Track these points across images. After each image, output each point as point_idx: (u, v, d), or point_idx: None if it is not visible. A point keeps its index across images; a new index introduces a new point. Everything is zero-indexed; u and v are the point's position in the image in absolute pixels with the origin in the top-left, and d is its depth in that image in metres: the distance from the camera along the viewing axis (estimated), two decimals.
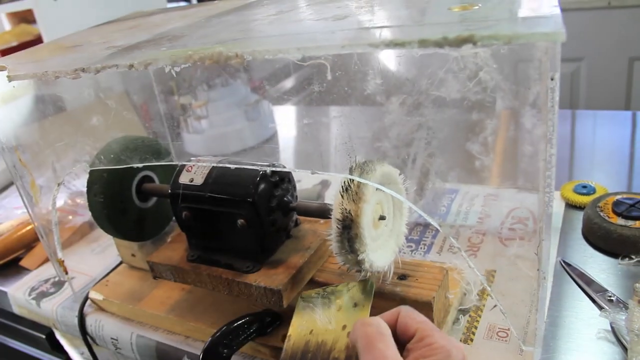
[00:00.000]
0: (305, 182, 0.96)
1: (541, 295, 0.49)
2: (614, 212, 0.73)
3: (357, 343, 0.44)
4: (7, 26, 1.83)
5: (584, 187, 0.84)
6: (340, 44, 0.37)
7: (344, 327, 0.52)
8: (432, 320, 0.57)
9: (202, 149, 1.15)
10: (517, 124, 0.61)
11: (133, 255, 0.80)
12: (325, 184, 0.96)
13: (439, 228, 0.48)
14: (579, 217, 0.79)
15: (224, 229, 0.64)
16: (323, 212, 0.58)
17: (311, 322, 0.54)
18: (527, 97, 0.52)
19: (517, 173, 0.65)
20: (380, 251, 0.57)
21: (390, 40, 0.35)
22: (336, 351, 0.50)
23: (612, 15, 1.86)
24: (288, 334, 0.54)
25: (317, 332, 0.53)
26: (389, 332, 0.44)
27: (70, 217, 1.00)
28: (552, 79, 0.39)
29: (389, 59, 0.65)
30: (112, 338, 0.75)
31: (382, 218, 0.56)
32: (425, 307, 0.56)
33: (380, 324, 0.45)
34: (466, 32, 0.34)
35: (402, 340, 0.46)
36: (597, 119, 1.16)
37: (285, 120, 1.16)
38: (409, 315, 0.46)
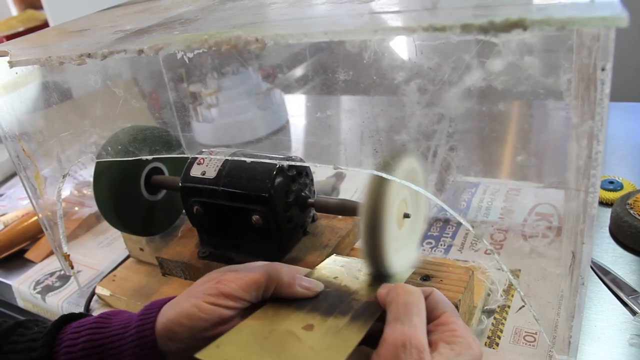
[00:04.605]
0: (319, 174, 0.93)
1: (579, 302, 0.45)
2: None
3: (391, 305, 0.43)
4: (14, 11, 1.81)
5: (611, 182, 0.81)
6: (372, 28, 0.33)
7: (371, 285, 0.49)
8: None
9: (212, 139, 1.12)
10: (545, 116, 0.58)
11: (141, 249, 0.77)
12: (339, 177, 0.92)
13: (470, 229, 0.45)
14: (606, 215, 0.76)
15: (238, 225, 0.61)
16: (343, 209, 0.55)
17: (337, 272, 0.52)
18: (558, 88, 0.49)
19: (543, 168, 0.61)
20: (403, 251, 0.54)
21: (429, 24, 0.32)
22: (357, 295, 0.48)
23: (629, 1, 1.80)
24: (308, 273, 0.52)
25: (341, 279, 0.50)
26: (425, 309, 0.43)
27: (77, 208, 0.97)
28: (603, 70, 0.35)
29: (403, 46, 0.62)
30: None
31: (406, 216, 0.53)
32: None
33: (422, 299, 0.44)
34: (515, 16, 0.31)
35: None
36: (612, 110, 1.12)
37: (299, 109, 1.13)
38: (441, 298, 0.45)
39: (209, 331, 0.45)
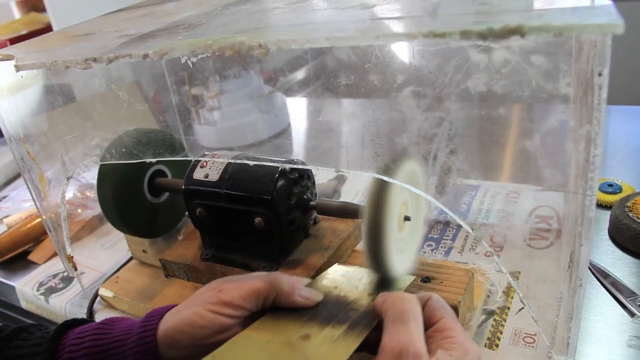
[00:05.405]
0: (320, 176, 0.93)
1: (577, 303, 0.46)
2: None
3: (387, 313, 0.43)
4: (17, 14, 1.81)
5: (610, 185, 0.81)
6: (374, 34, 0.34)
7: (370, 294, 0.50)
8: None
9: (214, 141, 1.12)
10: (544, 120, 0.59)
11: (144, 251, 0.78)
12: (341, 179, 0.93)
13: (470, 231, 0.46)
14: (605, 217, 0.76)
15: (241, 227, 0.61)
16: (345, 212, 0.56)
17: (338, 282, 0.52)
18: (559, 93, 0.50)
19: (541, 171, 0.62)
20: (404, 253, 0.54)
21: (430, 30, 0.32)
22: (355, 305, 0.48)
23: (628, 5, 1.80)
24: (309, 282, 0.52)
25: (341, 289, 0.51)
26: (421, 315, 0.44)
27: (80, 210, 0.98)
28: (600, 75, 0.36)
29: (405, 50, 0.62)
30: None
31: (407, 219, 0.53)
32: None
33: (417, 306, 0.44)
34: (514, 23, 0.31)
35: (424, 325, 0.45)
36: (612, 114, 1.12)
37: (300, 112, 1.13)
38: (439, 303, 0.46)
39: (210, 339, 0.46)
